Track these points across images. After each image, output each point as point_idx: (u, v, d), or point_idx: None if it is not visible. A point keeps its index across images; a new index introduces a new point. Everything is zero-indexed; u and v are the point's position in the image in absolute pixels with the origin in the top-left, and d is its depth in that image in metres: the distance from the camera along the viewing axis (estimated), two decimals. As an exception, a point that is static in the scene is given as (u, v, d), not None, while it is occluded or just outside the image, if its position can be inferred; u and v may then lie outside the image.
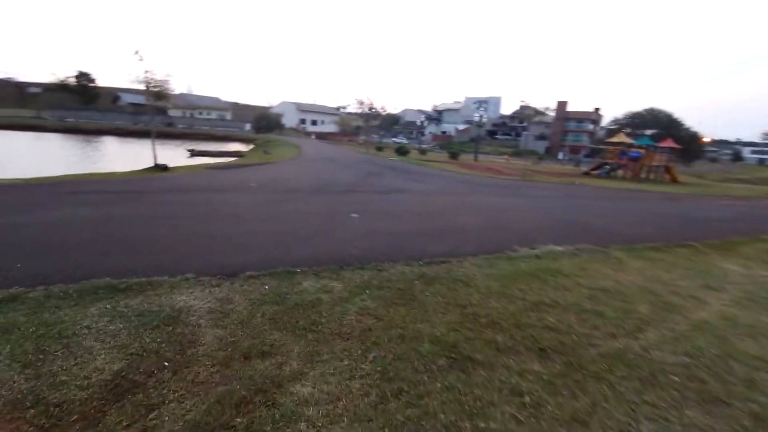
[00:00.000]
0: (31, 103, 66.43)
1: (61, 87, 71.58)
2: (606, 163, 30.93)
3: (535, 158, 48.23)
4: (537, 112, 68.88)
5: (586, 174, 30.50)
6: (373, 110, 32.80)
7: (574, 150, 72.47)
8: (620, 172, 30.30)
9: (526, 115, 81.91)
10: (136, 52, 11.22)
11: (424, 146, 54.68)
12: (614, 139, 31.44)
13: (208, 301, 3.63)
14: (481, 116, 36.84)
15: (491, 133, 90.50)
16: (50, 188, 8.22)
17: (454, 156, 37.65)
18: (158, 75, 11.78)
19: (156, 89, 11.96)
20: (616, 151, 29.89)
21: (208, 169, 13.37)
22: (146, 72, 11.56)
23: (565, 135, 77.03)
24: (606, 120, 80.00)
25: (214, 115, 77.04)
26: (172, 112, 72.43)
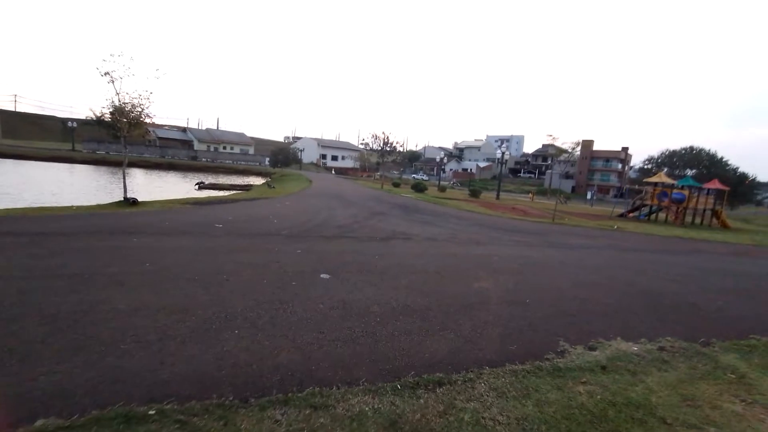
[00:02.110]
0: (70, 136, 69.91)
1: (97, 122, 75.37)
2: (644, 205, 27.95)
3: (562, 197, 45.17)
4: (561, 151, 66.70)
5: (622, 216, 27.54)
6: (389, 145, 31.42)
7: (602, 190, 69.08)
8: (661, 216, 27.22)
9: (550, 153, 79.77)
10: (106, 74, 9.96)
11: (443, 183, 52.88)
12: (653, 179, 28.56)
13: None
14: (503, 153, 34.82)
15: (514, 171, 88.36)
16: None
17: (474, 194, 35.44)
18: (132, 98, 10.46)
19: (130, 114, 10.61)
20: (656, 192, 26.94)
21: (186, 205, 11.68)
22: (117, 94, 10.28)
23: (591, 174, 73.99)
24: (636, 159, 76.65)
25: (237, 149, 78.63)
26: (197, 146, 74.73)
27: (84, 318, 3.47)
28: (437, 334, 3.92)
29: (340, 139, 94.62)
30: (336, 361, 3.20)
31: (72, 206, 9.70)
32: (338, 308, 4.32)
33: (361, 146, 32.93)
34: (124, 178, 11.09)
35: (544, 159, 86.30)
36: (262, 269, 5.50)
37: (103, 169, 42.12)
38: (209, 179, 36.37)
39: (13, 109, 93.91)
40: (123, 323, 3.45)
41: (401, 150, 36.29)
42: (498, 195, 35.94)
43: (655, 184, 27.51)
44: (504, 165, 47.79)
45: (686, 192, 26.29)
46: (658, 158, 46.71)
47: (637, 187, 42.76)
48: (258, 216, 10.64)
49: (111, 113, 10.56)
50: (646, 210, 27.73)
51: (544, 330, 4.33)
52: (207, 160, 65.96)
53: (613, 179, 72.31)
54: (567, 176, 72.50)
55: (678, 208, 26.25)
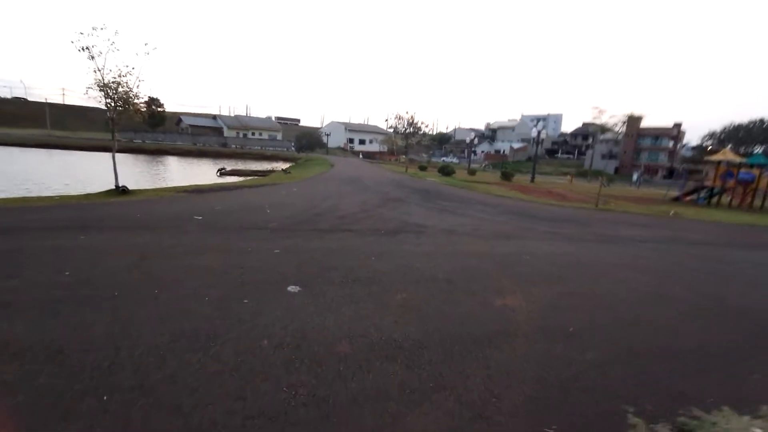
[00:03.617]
0: (109, 125, 72.39)
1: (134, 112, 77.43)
2: (703, 187, 24.61)
3: (604, 179, 41.43)
4: (604, 129, 61.66)
5: (677, 200, 24.40)
6: (414, 125, 29.47)
7: (650, 170, 63.49)
8: (724, 199, 23.82)
9: (590, 132, 74.20)
10: (85, 48, 8.94)
11: (474, 165, 50.25)
12: (716, 157, 25.03)
13: None
14: (539, 132, 31.98)
15: (551, 152, 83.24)
16: None
17: (506, 176, 32.97)
18: (116, 76, 9.44)
19: (116, 95, 9.62)
20: (719, 172, 23.55)
21: (181, 193, 10.74)
22: (97, 71, 9.26)
23: (637, 153, 68.10)
24: (690, 136, 69.74)
25: (265, 135, 78.98)
26: (227, 133, 75.74)
27: None
28: (427, 401, 2.49)
29: (369, 123, 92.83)
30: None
31: (54, 196, 8.98)
32: (289, 346, 2.99)
33: (389, 129, 31.04)
34: (114, 165, 10.22)
35: (584, 138, 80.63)
36: (214, 278, 4.26)
37: (140, 157, 43.62)
38: (232, 165, 36.25)
39: (61, 102, 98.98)
40: (-63, 383, 2.28)
41: (428, 131, 34.15)
42: (533, 177, 33.26)
43: (719, 162, 24.06)
44: (540, 145, 44.48)
45: (756, 171, 22.79)
46: (720, 134, 41.51)
47: (692, 166, 38.40)
48: (252, 205, 9.50)
49: (100, 91, 9.56)
50: (705, 193, 24.43)
51: (601, 389, 2.79)
52: (236, 147, 66.67)
53: (663, 158, 66.19)
54: (610, 156, 67.28)
55: (745, 190, 22.87)
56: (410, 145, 32.57)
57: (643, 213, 15.60)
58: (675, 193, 26.94)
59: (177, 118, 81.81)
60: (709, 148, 39.24)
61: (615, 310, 4.36)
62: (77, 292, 3.68)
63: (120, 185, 9.98)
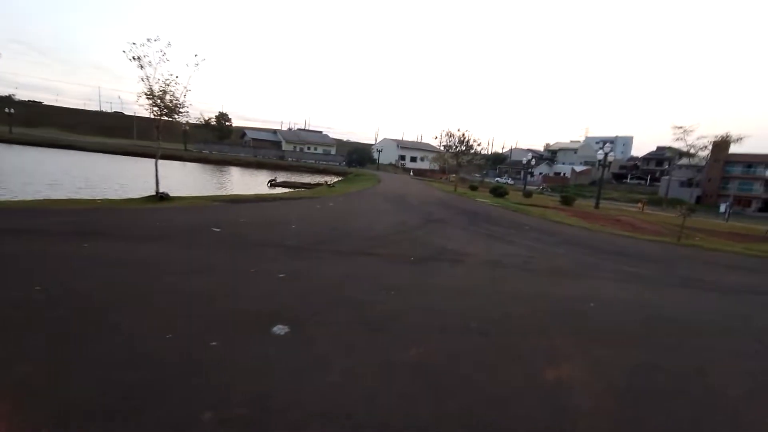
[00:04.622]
0: (183, 137, 79.85)
1: (205, 125, 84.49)
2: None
3: (684, 209, 36.34)
4: (682, 154, 55.31)
5: (780, 238, 20.45)
6: (465, 143, 28.17)
7: (742, 201, 55.61)
8: None
9: (667, 156, 67.23)
10: (136, 58, 9.19)
11: (530, 188, 47.35)
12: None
13: None
14: (606, 154, 29.07)
15: (618, 177, 76.58)
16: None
17: (566, 201, 30.22)
18: (164, 84, 9.58)
19: (162, 104, 9.77)
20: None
21: (217, 202, 10.61)
22: (144, 79, 9.45)
23: (725, 182, 60.11)
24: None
25: (320, 150, 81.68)
26: (284, 147, 79.46)
27: None
28: None
29: (422, 141, 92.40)
30: None
31: (98, 199, 9.18)
32: (237, 425, 2.12)
33: (441, 147, 30.03)
34: (156, 173, 10.36)
35: (659, 163, 73.29)
36: (193, 308, 3.57)
37: (207, 167, 47.08)
38: (284, 177, 37.32)
39: (147, 115, 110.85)
40: None
41: (480, 150, 32.59)
42: (597, 203, 30.17)
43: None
44: (606, 168, 40.71)
45: None
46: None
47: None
48: (279, 219, 8.98)
49: (147, 99, 9.79)
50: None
51: None
52: (292, 160, 69.52)
53: (757, 189, 57.84)
54: (689, 184, 60.19)
55: None
56: (461, 164, 31.26)
57: (739, 252, 12.95)
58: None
59: (242, 131, 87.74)
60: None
61: (730, 403, 2.98)
62: (36, 313, 3.15)
63: (160, 192, 10.06)
